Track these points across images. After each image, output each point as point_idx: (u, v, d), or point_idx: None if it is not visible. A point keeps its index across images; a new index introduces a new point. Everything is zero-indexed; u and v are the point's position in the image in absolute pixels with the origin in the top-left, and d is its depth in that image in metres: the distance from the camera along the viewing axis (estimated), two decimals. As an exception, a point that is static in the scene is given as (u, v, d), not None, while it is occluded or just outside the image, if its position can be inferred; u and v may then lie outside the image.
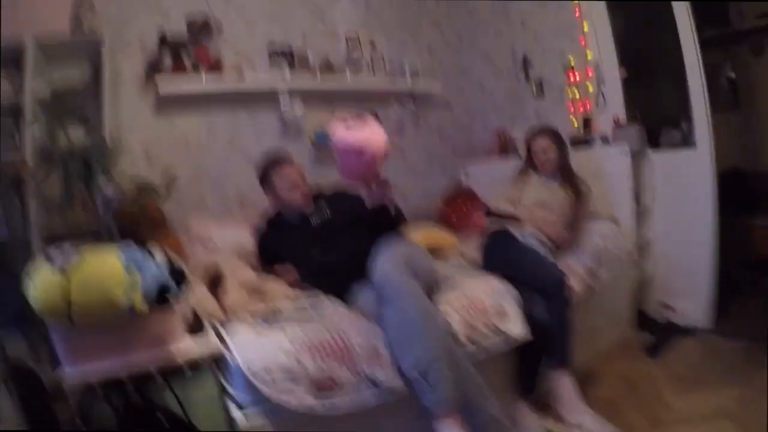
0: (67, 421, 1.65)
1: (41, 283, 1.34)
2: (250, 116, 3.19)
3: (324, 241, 2.25)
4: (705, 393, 2.23)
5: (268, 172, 2.41)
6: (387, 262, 1.75)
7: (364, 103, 3.59)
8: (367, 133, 1.89)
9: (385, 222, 2.12)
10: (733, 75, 3.99)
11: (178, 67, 2.82)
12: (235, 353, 1.56)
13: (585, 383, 2.34)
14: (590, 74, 3.41)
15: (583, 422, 1.87)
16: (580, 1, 3.41)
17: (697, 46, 2.77)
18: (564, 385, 2.01)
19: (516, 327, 2.01)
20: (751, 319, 2.96)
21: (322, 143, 3.31)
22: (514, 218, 2.54)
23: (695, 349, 2.73)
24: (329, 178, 3.33)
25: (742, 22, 3.78)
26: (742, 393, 2.18)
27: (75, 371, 1.45)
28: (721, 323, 2.94)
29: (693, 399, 2.20)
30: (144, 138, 2.84)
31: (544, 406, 2.09)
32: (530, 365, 2.11)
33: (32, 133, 2.34)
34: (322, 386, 1.53)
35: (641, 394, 2.32)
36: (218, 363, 1.69)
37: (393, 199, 2.03)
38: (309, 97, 3.27)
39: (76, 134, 2.16)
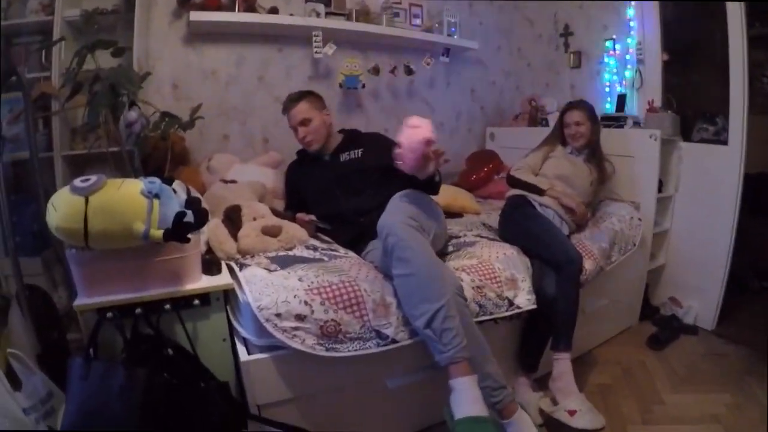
0: (77, 346, 1.69)
1: (60, 205, 1.35)
2: (281, 53, 3.13)
3: (349, 183, 2.28)
4: (699, 394, 2.27)
5: (284, 112, 2.44)
6: (394, 217, 1.72)
7: (397, 51, 3.51)
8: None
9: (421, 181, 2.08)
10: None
11: (212, -2, 2.75)
12: (245, 290, 1.58)
13: (584, 365, 2.39)
14: (631, 53, 3.31)
15: (574, 408, 1.88)
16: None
17: (745, 42, 2.65)
18: (562, 368, 2.01)
19: (523, 298, 2.03)
20: (754, 326, 2.95)
21: (351, 87, 3.27)
22: (535, 188, 2.50)
23: (695, 348, 2.74)
24: (355, 122, 3.34)
25: None
26: (736, 399, 2.21)
27: (88, 297, 1.49)
28: (724, 326, 2.94)
29: (686, 398, 2.24)
30: (172, 67, 2.80)
31: (543, 386, 2.13)
32: (535, 343, 2.14)
33: (60, 53, 2.34)
34: (328, 331, 1.56)
35: (637, 385, 2.34)
36: (229, 300, 1.72)
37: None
38: (342, 40, 3.19)
39: (104, 58, 2.12)
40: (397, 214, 1.74)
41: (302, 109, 2.34)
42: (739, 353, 2.66)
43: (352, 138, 2.46)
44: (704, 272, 2.95)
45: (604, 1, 3.48)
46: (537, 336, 2.13)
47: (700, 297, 2.98)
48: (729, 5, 2.68)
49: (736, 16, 2.67)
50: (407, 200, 1.82)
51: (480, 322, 1.85)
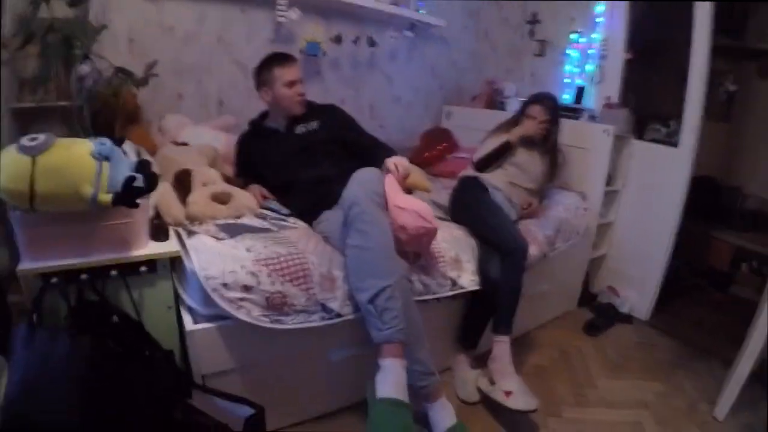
0: (19, 310, 1.64)
1: (6, 165, 1.30)
2: (244, 14, 3.03)
3: (306, 155, 2.25)
4: (630, 381, 2.40)
5: (271, 64, 2.30)
6: (361, 189, 1.75)
7: (362, 22, 3.46)
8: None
9: (374, 155, 2.21)
10: (732, 88, 3.99)
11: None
12: (193, 258, 1.57)
13: (523, 346, 2.49)
14: (595, 48, 3.37)
15: (510, 389, 1.94)
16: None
17: (708, 51, 2.74)
18: (501, 350, 2.07)
19: (467, 279, 2.10)
20: (685, 319, 3.14)
21: (312, 54, 3.21)
22: (500, 147, 2.58)
23: (629, 337, 2.88)
24: (313, 90, 3.30)
25: (758, 41, 3.76)
26: (665, 388, 2.35)
27: (31, 261, 1.44)
28: (658, 317, 3.10)
29: (618, 384, 2.36)
30: (129, 21, 2.66)
31: (481, 363, 2.19)
32: (475, 322, 2.22)
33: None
34: (273, 303, 1.57)
35: (572, 369, 2.46)
36: (175, 268, 1.70)
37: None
38: (307, 6, 3.11)
39: (59, 6, 2.01)
40: (365, 187, 1.77)
41: (299, 68, 2.32)
42: (670, 345, 2.82)
43: (307, 110, 2.41)
44: (643, 265, 3.09)
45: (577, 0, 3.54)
46: (478, 316, 2.20)
47: (638, 288, 3.12)
48: (698, 13, 2.74)
49: (703, 24, 2.74)
50: (374, 177, 1.85)
51: (423, 301, 1.91)
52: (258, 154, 2.34)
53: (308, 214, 2.11)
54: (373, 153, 2.27)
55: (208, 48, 2.94)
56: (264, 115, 2.45)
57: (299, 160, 2.24)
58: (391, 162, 2.09)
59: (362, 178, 1.82)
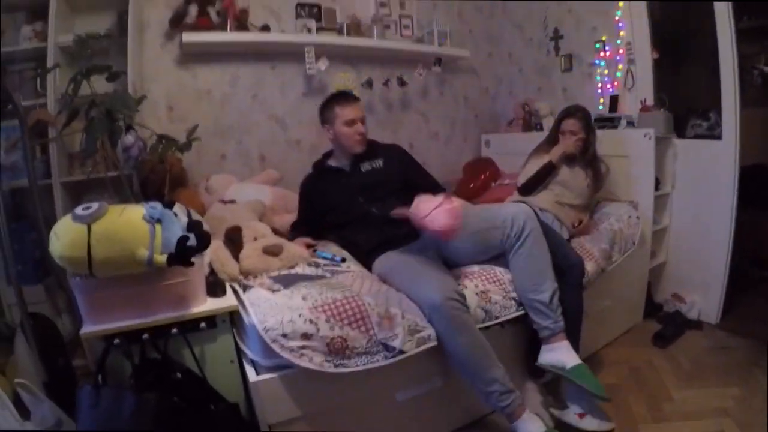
0: (83, 372, 1.69)
1: (63, 233, 1.35)
2: (275, 71, 3.15)
3: (372, 192, 2.27)
4: (707, 389, 2.27)
5: (332, 103, 2.34)
6: (525, 209, 1.96)
7: (389, 64, 3.54)
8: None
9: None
10: (766, 69, 3.88)
11: (204, 18, 2.76)
12: (250, 312, 1.59)
13: (591, 366, 2.35)
14: (621, 53, 3.33)
15: (582, 411, 1.89)
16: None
17: (734, 36, 2.67)
18: None
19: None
20: (757, 317, 2.96)
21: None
22: (544, 168, 2.59)
23: (701, 343, 2.74)
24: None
25: None
26: (743, 392, 2.21)
27: (93, 324, 1.49)
28: (728, 319, 2.95)
29: (695, 394, 2.23)
30: (167, 89, 2.82)
31: (551, 388, 2.14)
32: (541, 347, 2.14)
33: (55, 79, 2.35)
34: (335, 347, 1.56)
35: (645, 384, 2.34)
36: (234, 322, 1.73)
37: None
38: (335, 55, 3.21)
39: (99, 83, 2.13)
40: (526, 208, 1.98)
41: (362, 106, 2.37)
42: (744, 345, 2.66)
43: (371, 148, 2.43)
44: (705, 267, 2.96)
45: (592, 0, 3.50)
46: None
47: (703, 291, 2.98)
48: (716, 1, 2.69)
49: (723, 11, 2.68)
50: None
51: (486, 328, 1.87)
52: (322, 194, 2.37)
53: (372, 252, 2.13)
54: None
55: (245, 107, 3.06)
56: (328, 155, 2.48)
57: (365, 197, 2.26)
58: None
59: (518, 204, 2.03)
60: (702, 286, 2.98)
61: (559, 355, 1.88)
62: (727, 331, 2.84)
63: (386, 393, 1.80)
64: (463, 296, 1.81)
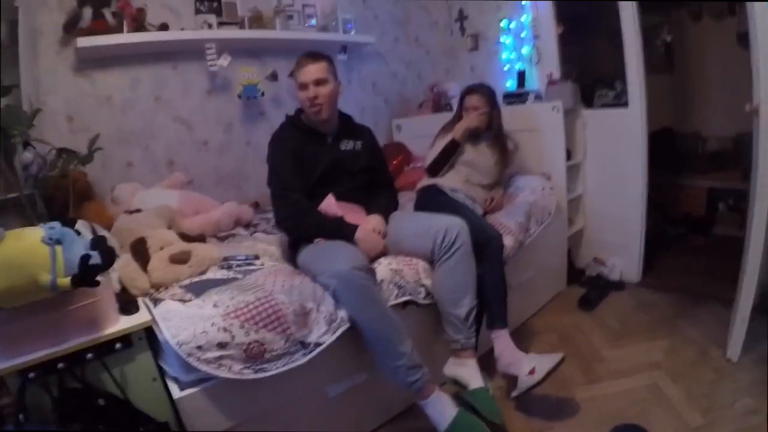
0: (8, 413, 1.59)
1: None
2: (176, 71, 3.03)
3: (340, 174, 2.16)
4: (636, 345, 2.39)
5: (295, 66, 2.16)
6: (464, 226, 2.00)
7: (295, 54, 3.44)
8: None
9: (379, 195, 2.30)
10: (669, 38, 4.08)
11: (99, 22, 2.61)
12: (162, 327, 1.53)
13: (520, 337, 2.45)
14: (526, 30, 3.41)
15: (530, 366, 1.92)
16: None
17: (635, 6, 2.79)
18: (504, 344, 2.05)
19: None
20: (677, 273, 3.16)
21: (251, 97, 3.22)
22: (448, 146, 2.61)
23: (625, 302, 2.88)
24: (260, 131, 3.29)
25: None
26: (671, 344, 2.35)
27: (5, 359, 1.38)
28: (649, 277, 3.12)
29: (625, 352, 2.35)
30: (65, 99, 2.65)
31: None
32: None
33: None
34: (252, 353, 1.54)
35: (575, 348, 2.44)
36: (150, 337, 1.66)
37: None
38: (238, 49, 3.13)
39: (-12, 98, 1.99)
40: (466, 227, 2.00)
41: (320, 68, 2.10)
42: (668, 300, 2.83)
43: (351, 126, 2.32)
44: (622, 229, 3.11)
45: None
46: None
47: (622, 253, 3.13)
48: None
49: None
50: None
51: (401, 305, 1.91)
52: (301, 152, 2.12)
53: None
54: (379, 192, 2.31)
55: (148, 111, 2.94)
56: (301, 110, 2.25)
57: (334, 174, 2.15)
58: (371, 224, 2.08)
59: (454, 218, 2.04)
60: (621, 248, 3.13)
61: (465, 373, 1.92)
62: (650, 289, 3.01)
63: (317, 390, 1.79)
64: (372, 271, 1.84)
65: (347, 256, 1.78)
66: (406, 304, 1.94)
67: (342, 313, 1.73)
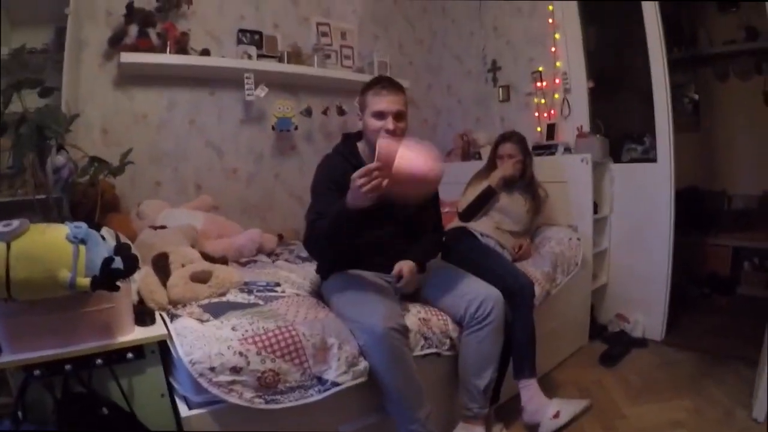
0: (6, 410, 1.54)
1: (-20, 254, 1.24)
2: (213, 97, 3.09)
3: (389, 210, 1.83)
4: (659, 403, 2.29)
5: (367, 89, 1.93)
6: (496, 293, 1.91)
7: (329, 93, 3.53)
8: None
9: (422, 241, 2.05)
10: (696, 97, 4.10)
11: (143, 40, 2.69)
12: (177, 345, 1.49)
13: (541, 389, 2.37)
14: (557, 83, 3.44)
15: (555, 410, 1.89)
16: (554, 10, 3.43)
17: (666, 65, 2.81)
18: (532, 391, 2.01)
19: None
20: (701, 332, 3.07)
21: (284, 129, 3.25)
22: (484, 193, 2.58)
23: (648, 360, 2.78)
24: (289, 165, 3.31)
25: (709, 47, 3.90)
26: (695, 403, 2.25)
27: (12, 353, 1.35)
28: (672, 335, 3.03)
29: (647, 409, 2.25)
30: (102, 111, 2.72)
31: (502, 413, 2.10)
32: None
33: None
34: (266, 382, 1.48)
35: (596, 404, 2.32)
36: (164, 353, 1.61)
37: None
38: (274, 82, 3.18)
39: (32, 99, 2.01)
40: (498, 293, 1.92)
41: (402, 100, 1.89)
42: (691, 359, 2.73)
43: None
44: (646, 286, 3.04)
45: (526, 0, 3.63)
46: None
47: (646, 310, 3.05)
48: (648, 30, 2.84)
49: (656, 42, 2.84)
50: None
51: (424, 356, 1.82)
52: (346, 184, 1.64)
53: (338, 267, 1.96)
54: (422, 239, 2.05)
55: (182, 133, 2.98)
56: (359, 136, 2.06)
57: (381, 214, 1.78)
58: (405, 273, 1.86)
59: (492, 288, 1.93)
60: (644, 304, 3.05)
61: None
62: (673, 347, 2.91)
63: (328, 426, 1.70)
64: (406, 328, 1.74)
65: (382, 312, 1.66)
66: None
67: (365, 364, 1.65)
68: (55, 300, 1.35)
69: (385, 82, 1.91)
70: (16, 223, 1.28)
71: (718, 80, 4.08)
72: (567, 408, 1.86)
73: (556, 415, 1.86)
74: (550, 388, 2.46)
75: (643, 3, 2.87)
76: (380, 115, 1.86)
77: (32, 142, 1.90)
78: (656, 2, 2.82)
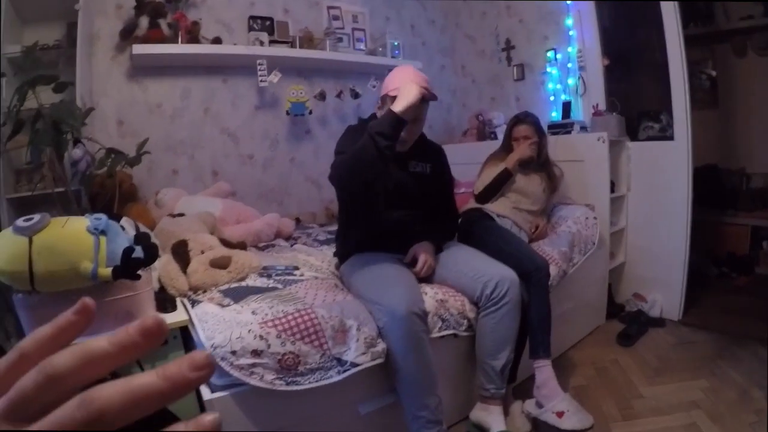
0: None
1: (3, 246, 1.28)
2: (227, 84, 3.10)
3: (405, 194, 1.99)
4: (676, 383, 2.28)
5: (395, 77, 1.96)
6: (514, 276, 1.91)
7: (343, 76, 3.52)
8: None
9: (436, 225, 2.14)
10: (714, 73, 4.02)
11: (155, 31, 2.70)
12: (199, 330, 1.52)
13: (558, 368, 2.34)
14: (572, 61, 3.40)
15: (561, 409, 1.86)
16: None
17: (682, 42, 2.76)
18: (546, 374, 1.99)
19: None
20: (718, 312, 3.03)
21: (298, 114, 3.26)
22: (500, 176, 2.57)
23: (665, 339, 2.77)
24: (305, 149, 3.32)
25: (727, 22, 3.81)
26: (712, 384, 2.23)
27: (38, 344, 1.39)
28: (690, 315, 3.00)
29: (663, 389, 2.24)
30: (117, 103, 2.75)
31: (520, 392, 2.11)
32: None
33: (1, 92, 2.24)
34: (286, 364, 1.50)
35: (613, 383, 2.34)
36: (185, 338, 1.65)
37: None
38: (287, 68, 3.19)
39: (46, 95, 2.05)
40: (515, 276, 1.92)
41: (427, 91, 1.87)
42: (709, 339, 2.70)
43: (424, 146, 2.12)
44: (664, 265, 3.01)
45: (541, 0, 3.58)
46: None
47: (663, 289, 3.02)
48: (663, 7, 2.78)
49: (671, 18, 2.77)
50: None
51: (442, 337, 1.84)
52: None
53: (357, 249, 2.02)
54: (438, 222, 2.14)
55: (197, 121, 3.00)
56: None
57: (397, 197, 1.97)
58: (422, 257, 1.95)
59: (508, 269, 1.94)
60: (662, 284, 3.02)
61: (489, 418, 1.87)
62: (690, 327, 2.88)
63: (348, 406, 1.73)
64: (426, 313, 1.76)
65: (405, 296, 1.68)
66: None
67: (383, 345, 1.68)
68: (78, 291, 1.38)
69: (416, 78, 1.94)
70: (36, 217, 1.31)
71: (736, 56, 3.99)
72: (574, 416, 1.84)
73: (560, 414, 1.85)
74: (567, 368, 2.48)
75: (657, -21, 2.80)
76: (387, 100, 1.93)
77: (49, 137, 1.94)
78: (671, -23, 2.76)
